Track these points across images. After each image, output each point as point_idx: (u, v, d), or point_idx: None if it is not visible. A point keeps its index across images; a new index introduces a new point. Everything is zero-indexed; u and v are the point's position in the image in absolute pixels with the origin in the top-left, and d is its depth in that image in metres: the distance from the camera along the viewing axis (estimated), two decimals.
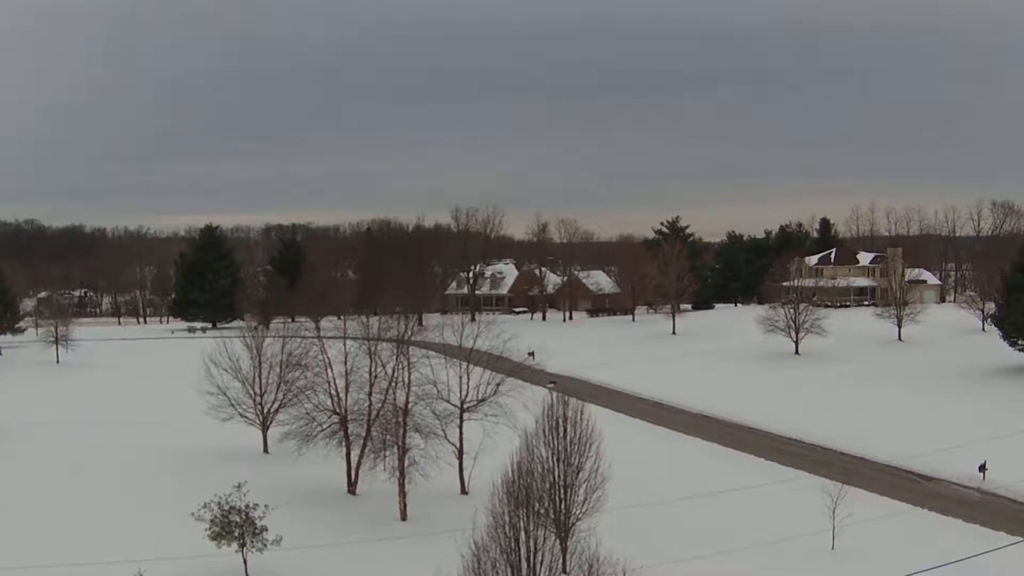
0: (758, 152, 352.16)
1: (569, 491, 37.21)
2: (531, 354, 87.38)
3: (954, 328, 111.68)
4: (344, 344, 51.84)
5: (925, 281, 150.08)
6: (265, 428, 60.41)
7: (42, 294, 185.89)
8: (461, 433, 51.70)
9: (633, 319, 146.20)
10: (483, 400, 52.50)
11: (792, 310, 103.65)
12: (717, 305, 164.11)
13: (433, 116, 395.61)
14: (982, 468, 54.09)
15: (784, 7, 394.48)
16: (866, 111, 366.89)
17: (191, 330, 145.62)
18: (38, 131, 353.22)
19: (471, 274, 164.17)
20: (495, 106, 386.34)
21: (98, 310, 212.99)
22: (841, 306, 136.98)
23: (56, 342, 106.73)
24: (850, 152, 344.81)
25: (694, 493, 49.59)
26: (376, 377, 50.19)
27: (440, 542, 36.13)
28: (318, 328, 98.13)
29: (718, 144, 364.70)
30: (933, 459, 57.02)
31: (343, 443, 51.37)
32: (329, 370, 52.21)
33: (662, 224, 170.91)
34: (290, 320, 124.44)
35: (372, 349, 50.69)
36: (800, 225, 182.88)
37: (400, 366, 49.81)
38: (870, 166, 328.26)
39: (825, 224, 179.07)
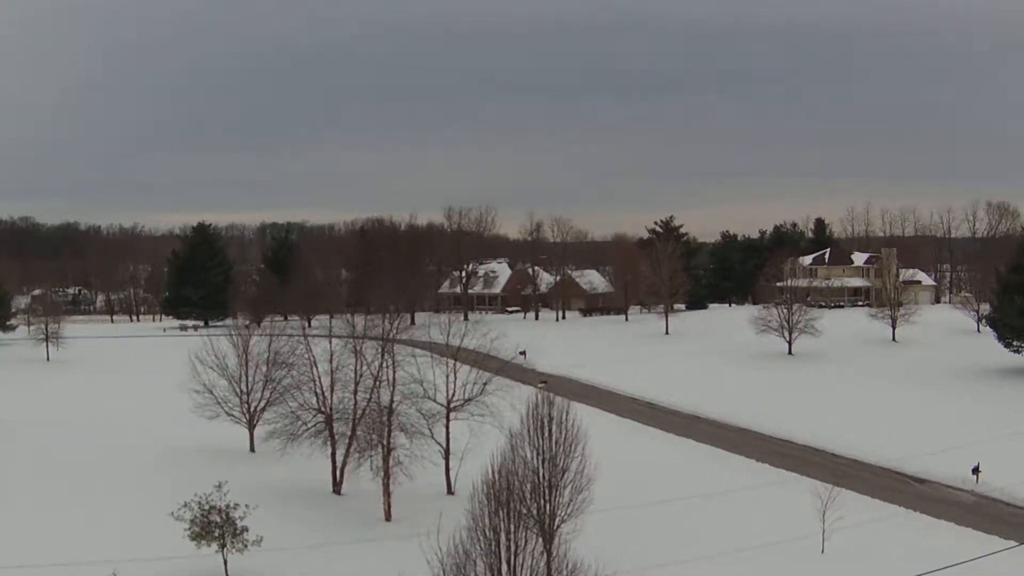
0: (753, 152, 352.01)
1: (554, 492, 36.55)
2: (523, 353, 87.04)
3: (949, 329, 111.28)
4: (329, 342, 51.26)
5: (920, 282, 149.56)
6: (251, 427, 59.82)
7: (36, 291, 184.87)
8: (448, 433, 51.15)
9: (626, 319, 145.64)
10: (470, 400, 51.94)
11: (786, 310, 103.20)
12: (711, 305, 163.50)
13: (430, 115, 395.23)
14: (975, 470, 53.53)
15: (782, 6, 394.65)
16: (863, 111, 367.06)
17: (183, 328, 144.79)
18: (34, 129, 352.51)
19: (464, 273, 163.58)
20: (492, 105, 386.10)
21: (92, 308, 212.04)
22: (835, 306, 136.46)
23: (46, 340, 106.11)
24: (846, 152, 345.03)
25: (684, 494, 49.14)
26: (361, 376, 49.62)
27: (424, 544, 35.50)
28: (308, 325, 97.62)
29: (713, 143, 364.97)
30: (926, 461, 56.57)
31: (328, 442, 50.80)
32: (314, 368, 51.62)
33: (656, 223, 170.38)
34: (282, 318, 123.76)
35: (357, 347, 50.10)
36: (795, 225, 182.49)
37: (385, 364, 49.22)
38: (866, 166, 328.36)
39: (820, 224, 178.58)
